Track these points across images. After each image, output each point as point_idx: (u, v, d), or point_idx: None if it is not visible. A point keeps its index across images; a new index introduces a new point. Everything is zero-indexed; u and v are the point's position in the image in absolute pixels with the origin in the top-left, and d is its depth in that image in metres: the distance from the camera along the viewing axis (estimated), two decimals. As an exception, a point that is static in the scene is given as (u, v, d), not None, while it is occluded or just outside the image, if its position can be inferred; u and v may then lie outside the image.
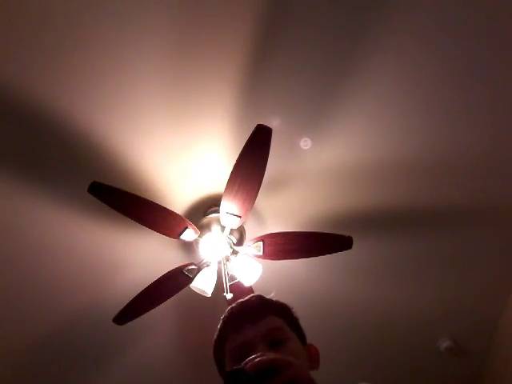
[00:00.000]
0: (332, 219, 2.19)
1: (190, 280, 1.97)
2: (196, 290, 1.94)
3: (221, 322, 0.98)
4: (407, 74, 1.78)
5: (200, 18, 1.60)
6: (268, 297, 1.01)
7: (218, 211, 1.94)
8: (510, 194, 2.15)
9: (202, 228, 2.02)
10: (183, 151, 1.94)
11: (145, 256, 2.24)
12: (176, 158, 1.95)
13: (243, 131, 1.76)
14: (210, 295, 1.92)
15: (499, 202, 2.18)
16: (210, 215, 2.06)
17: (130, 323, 2.09)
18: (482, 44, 1.70)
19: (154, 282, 1.98)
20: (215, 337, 0.97)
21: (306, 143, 1.93)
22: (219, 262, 2.00)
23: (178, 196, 2.07)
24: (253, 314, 0.92)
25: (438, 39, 1.69)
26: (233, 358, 0.87)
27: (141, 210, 1.80)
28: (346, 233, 1.91)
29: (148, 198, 1.83)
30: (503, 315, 2.66)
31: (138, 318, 2.08)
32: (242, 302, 0.99)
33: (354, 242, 1.90)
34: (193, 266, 2.01)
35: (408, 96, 1.84)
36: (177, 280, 2.01)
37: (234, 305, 0.99)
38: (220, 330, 0.96)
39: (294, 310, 1.00)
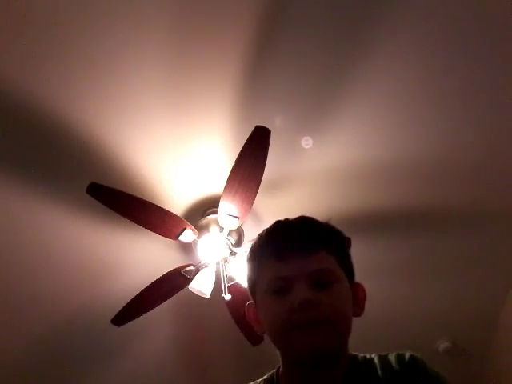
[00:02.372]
0: (330, 220, 2.18)
1: (189, 281, 1.97)
2: (194, 292, 1.93)
3: (264, 236, 0.83)
4: (408, 74, 1.78)
5: (200, 17, 1.60)
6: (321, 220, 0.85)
7: (216, 212, 1.94)
8: (509, 196, 2.15)
9: (201, 229, 2.02)
10: (182, 152, 1.93)
11: (143, 257, 2.24)
12: (175, 159, 1.95)
13: (242, 132, 1.76)
14: (208, 296, 1.92)
15: (498, 204, 2.18)
16: (209, 216, 2.06)
17: (128, 324, 2.09)
18: (484, 45, 1.70)
19: (152, 284, 1.98)
20: (252, 247, 0.84)
21: (306, 143, 1.93)
22: (218, 263, 1.99)
23: (176, 197, 2.07)
24: (302, 246, 0.78)
25: (440, 39, 1.68)
26: (270, 287, 0.78)
27: (139, 210, 1.80)
28: (344, 233, 1.91)
29: (146, 199, 1.83)
30: (501, 317, 2.67)
31: (136, 320, 2.08)
32: (291, 223, 0.84)
33: (352, 242, 1.89)
34: (191, 268, 2.01)
35: (409, 97, 1.84)
36: (175, 281, 2.00)
37: (282, 222, 0.84)
38: (261, 246, 0.83)
39: (347, 241, 0.86)
